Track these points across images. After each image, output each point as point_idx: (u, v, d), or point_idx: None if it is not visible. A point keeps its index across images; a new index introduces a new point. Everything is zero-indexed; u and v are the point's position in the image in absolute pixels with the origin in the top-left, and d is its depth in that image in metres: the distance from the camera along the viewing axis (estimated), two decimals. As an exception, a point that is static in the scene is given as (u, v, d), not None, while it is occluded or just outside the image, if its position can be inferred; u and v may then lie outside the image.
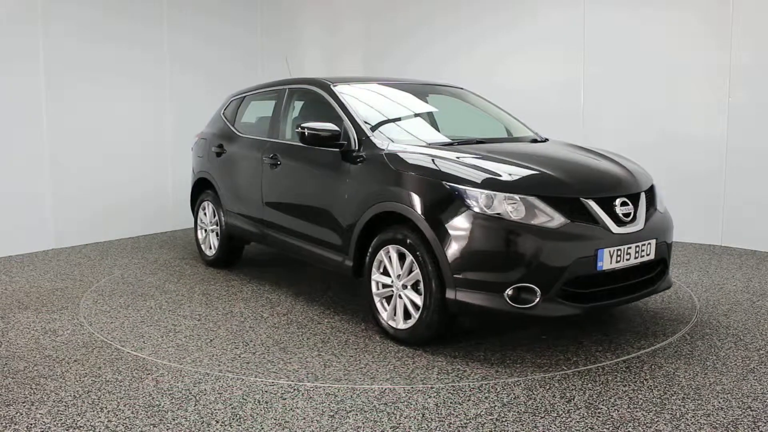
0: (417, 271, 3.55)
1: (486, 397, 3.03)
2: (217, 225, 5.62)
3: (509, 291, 3.27)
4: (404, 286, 3.67)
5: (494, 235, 3.29)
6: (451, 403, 2.98)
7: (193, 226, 6.19)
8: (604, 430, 2.72)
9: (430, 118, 5.00)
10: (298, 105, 5.16)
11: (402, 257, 3.68)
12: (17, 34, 6.21)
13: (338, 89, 4.51)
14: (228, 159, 5.40)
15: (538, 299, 3.28)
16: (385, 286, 3.82)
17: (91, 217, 6.91)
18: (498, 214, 3.32)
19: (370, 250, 3.86)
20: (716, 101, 6.25)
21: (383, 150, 3.92)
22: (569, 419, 2.81)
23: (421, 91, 5.07)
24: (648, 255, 3.62)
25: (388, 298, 3.83)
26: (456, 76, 7.30)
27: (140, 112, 7.34)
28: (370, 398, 3.04)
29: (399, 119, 4.57)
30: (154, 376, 3.31)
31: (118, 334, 3.95)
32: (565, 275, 3.29)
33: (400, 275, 3.69)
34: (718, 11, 6.17)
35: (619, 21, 6.71)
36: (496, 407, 2.93)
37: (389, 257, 3.74)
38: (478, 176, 3.48)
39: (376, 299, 3.87)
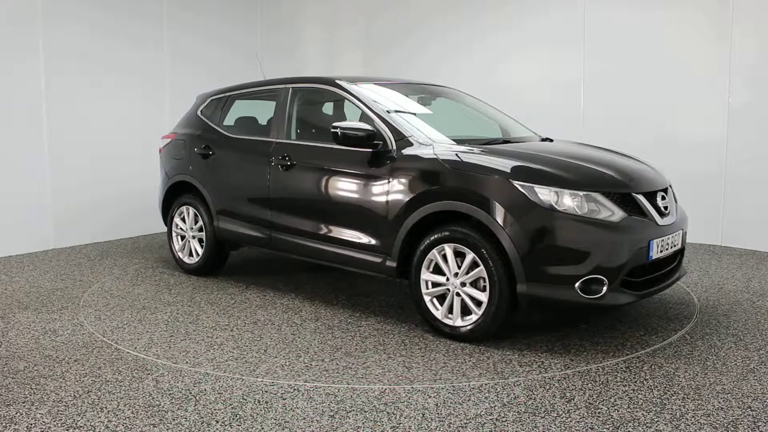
0: (481, 267, 3.60)
1: (486, 397, 3.03)
2: (201, 231, 5.33)
3: (580, 283, 3.40)
4: (463, 284, 3.70)
5: (566, 229, 3.45)
6: (451, 403, 2.98)
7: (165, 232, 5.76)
8: (604, 430, 2.72)
9: (441, 119, 4.97)
10: (309, 105, 5.05)
11: (458, 255, 3.71)
12: (17, 33, 6.20)
13: (356, 89, 4.48)
14: (219, 161, 5.16)
15: (605, 289, 3.45)
16: (435, 284, 3.83)
17: (91, 217, 6.91)
18: (565, 210, 3.47)
19: (420, 248, 3.84)
20: (716, 101, 6.25)
21: (431, 150, 3.93)
22: (569, 419, 2.81)
23: (422, 91, 5.06)
24: (677, 245, 3.93)
25: (438, 297, 3.84)
26: (456, 75, 7.31)
27: (140, 112, 7.34)
28: (370, 398, 3.04)
29: (422, 119, 4.53)
30: (154, 376, 3.30)
31: (159, 350, 3.69)
32: (627, 265, 3.51)
33: (457, 273, 3.71)
34: (719, 11, 6.17)
35: (618, 21, 6.71)
36: (496, 407, 2.93)
37: (443, 256, 3.76)
38: (545, 174, 3.62)
39: (427, 298, 3.86)
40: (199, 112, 5.58)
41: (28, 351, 3.69)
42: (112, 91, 7.01)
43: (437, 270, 3.82)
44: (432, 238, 3.78)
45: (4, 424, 2.79)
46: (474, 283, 3.68)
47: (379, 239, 4.07)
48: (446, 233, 3.72)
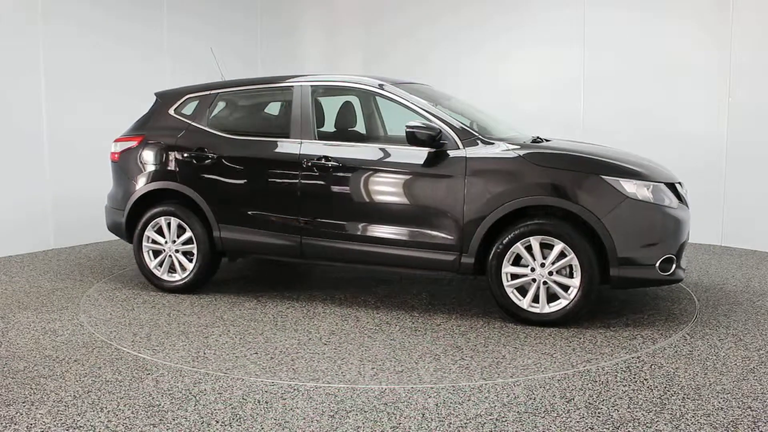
0: (571, 256, 3.89)
1: (486, 397, 3.03)
2: (189, 243, 4.80)
3: (659, 262, 3.90)
4: (550, 273, 3.95)
5: (648, 216, 3.92)
6: (451, 403, 2.98)
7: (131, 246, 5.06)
8: (604, 430, 2.72)
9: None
10: (335, 105, 4.91)
11: (544, 247, 3.96)
12: (17, 33, 6.20)
13: (396, 90, 4.49)
14: (222, 165, 4.73)
15: (674, 267, 3.96)
16: (514, 276, 4.03)
17: (91, 217, 6.90)
18: (644, 199, 3.91)
19: (503, 243, 4.00)
20: (716, 101, 6.25)
21: (503, 148, 4.12)
22: (569, 419, 2.81)
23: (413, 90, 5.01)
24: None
25: (518, 288, 4.05)
26: (456, 75, 7.31)
27: (139, 113, 7.32)
28: (370, 398, 3.04)
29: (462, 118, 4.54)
30: (154, 376, 3.30)
31: (284, 375, 3.29)
32: (685, 245, 4.07)
33: (543, 264, 3.96)
34: (718, 11, 6.17)
35: (619, 21, 6.71)
36: (496, 407, 2.93)
37: (527, 248, 3.98)
38: (624, 169, 4.02)
39: (509, 290, 4.05)
40: (172, 111, 5.11)
41: (28, 351, 3.70)
42: (112, 92, 6.99)
43: (515, 262, 4.04)
44: (517, 231, 3.98)
45: (4, 424, 2.79)
46: (559, 272, 3.95)
47: (452, 237, 4.14)
48: (533, 226, 3.95)
